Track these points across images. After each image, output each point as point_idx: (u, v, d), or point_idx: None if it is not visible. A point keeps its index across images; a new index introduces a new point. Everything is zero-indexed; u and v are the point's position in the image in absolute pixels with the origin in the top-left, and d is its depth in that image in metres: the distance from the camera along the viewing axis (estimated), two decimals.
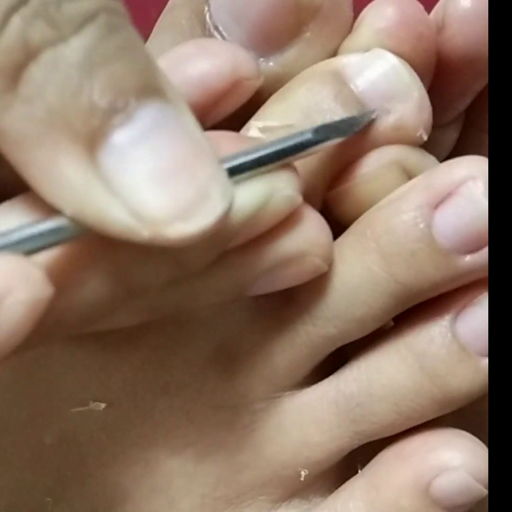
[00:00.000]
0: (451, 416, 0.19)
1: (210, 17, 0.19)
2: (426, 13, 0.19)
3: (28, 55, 0.13)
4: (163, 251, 0.14)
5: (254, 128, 0.18)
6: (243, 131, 0.18)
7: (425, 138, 0.18)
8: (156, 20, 0.20)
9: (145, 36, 0.20)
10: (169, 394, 0.19)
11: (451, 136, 0.22)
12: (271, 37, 0.19)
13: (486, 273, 0.18)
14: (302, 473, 0.20)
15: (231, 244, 0.16)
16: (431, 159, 0.19)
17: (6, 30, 0.13)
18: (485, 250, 0.17)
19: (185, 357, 0.19)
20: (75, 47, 0.13)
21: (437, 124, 0.20)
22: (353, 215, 0.19)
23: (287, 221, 0.17)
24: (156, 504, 0.20)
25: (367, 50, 0.19)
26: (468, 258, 0.17)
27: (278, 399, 0.19)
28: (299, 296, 0.19)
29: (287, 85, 0.19)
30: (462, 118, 0.22)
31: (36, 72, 0.13)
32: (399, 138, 0.18)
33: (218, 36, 0.19)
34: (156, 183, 0.13)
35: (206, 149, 0.14)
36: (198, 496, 0.20)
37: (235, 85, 0.18)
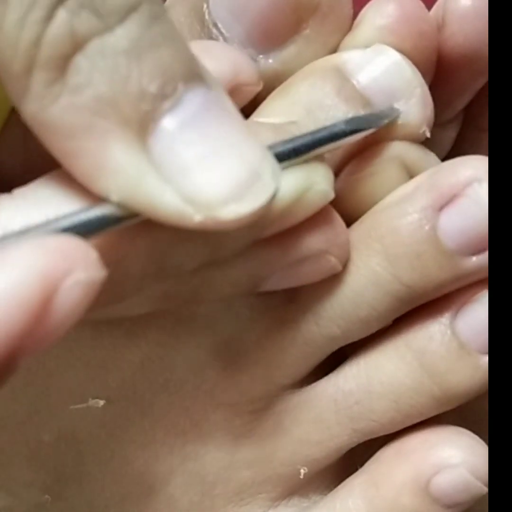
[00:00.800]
0: (451, 414, 0.19)
1: (209, 14, 0.19)
2: (427, 11, 0.19)
3: (75, 45, 0.13)
4: (202, 234, 0.14)
5: None
6: None
7: (428, 134, 0.18)
8: None
9: None
10: (168, 392, 0.19)
11: (450, 134, 0.22)
12: (270, 34, 0.19)
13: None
14: (302, 471, 0.19)
15: (265, 233, 0.16)
16: (432, 156, 0.19)
17: (52, 22, 0.13)
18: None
19: (185, 354, 0.19)
20: (121, 36, 0.13)
21: (436, 122, 0.20)
22: (355, 210, 0.19)
23: (310, 218, 0.17)
24: (155, 502, 0.20)
25: (368, 46, 0.18)
26: (473, 259, 0.17)
27: (278, 397, 0.19)
28: (303, 295, 0.19)
29: (288, 81, 0.19)
30: (461, 117, 0.22)
31: (83, 62, 0.13)
32: (402, 134, 0.18)
33: (217, 33, 0.19)
34: (208, 166, 0.13)
35: (252, 132, 0.14)
36: (197, 493, 0.20)
37: (234, 90, 0.18)
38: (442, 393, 0.18)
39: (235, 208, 0.14)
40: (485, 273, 0.18)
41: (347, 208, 0.19)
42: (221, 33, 0.19)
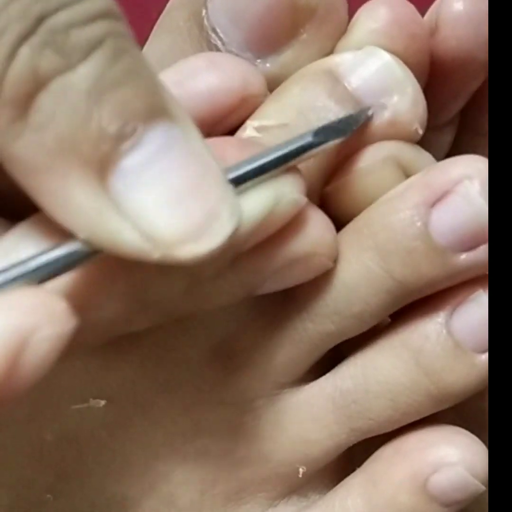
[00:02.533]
0: (448, 413, 0.19)
1: (208, 19, 0.19)
2: (418, 14, 0.19)
3: (37, 84, 0.13)
4: (176, 267, 0.15)
5: (250, 128, 0.18)
6: (239, 131, 0.19)
7: (421, 132, 0.19)
8: (156, 22, 0.21)
9: (145, 37, 0.21)
10: (168, 391, 0.19)
11: (446, 138, 0.22)
12: (268, 39, 0.19)
13: (481, 271, 0.18)
14: (300, 470, 0.20)
15: (244, 248, 0.16)
16: (427, 155, 0.19)
17: (15, 60, 0.13)
18: (481, 248, 0.18)
19: (184, 354, 0.19)
20: (83, 75, 0.13)
21: (432, 126, 0.20)
22: (349, 209, 0.19)
23: (293, 222, 0.17)
24: (155, 501, 0.20)
25: (360, 49, 0.19)
26: (464, 256, 0.18)
27: (277, 396, 0.20)
28: (298, 294, 0.19)
29: (282, 85, 0.19)
30: (457, 121, 0.22)
31: (45, 101, 0.13)
32: (395, 133, 0.18)
33: (216, 38, 0.19)
34: (166, 206, 0.14)
35: (214, 169, 0.14)
36: (197, 492, 0.20)
37: (243, 101, 0.18)
38: (439, 392, 0.18)
39: (192, 247, 0.14)
40: (477, 270, 0.18)
41: (342, 207, 0.19)
42: (219, 38, 0.19)
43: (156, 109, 0.14)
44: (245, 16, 0.19)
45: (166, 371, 0.19)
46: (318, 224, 0.18)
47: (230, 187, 0.15)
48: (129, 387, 0.19)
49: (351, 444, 0.20)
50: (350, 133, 0.18)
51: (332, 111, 0.18)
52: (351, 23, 0.19)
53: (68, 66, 0.13)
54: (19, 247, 0.14)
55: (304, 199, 0.17)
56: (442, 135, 0.22)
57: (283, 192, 0.16)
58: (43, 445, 0.19)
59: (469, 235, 0.17)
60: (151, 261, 0.14)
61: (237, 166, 0.16)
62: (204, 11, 0.19)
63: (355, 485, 0.19)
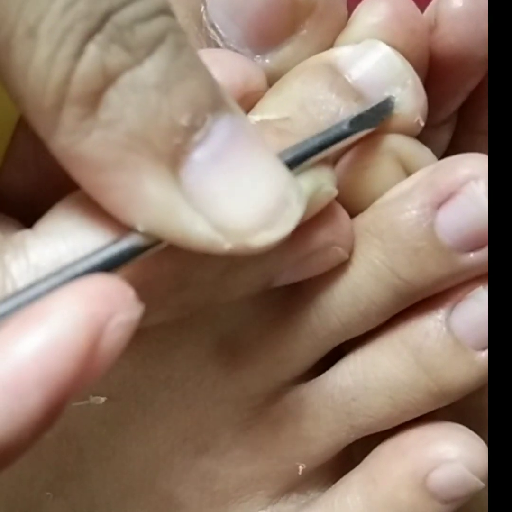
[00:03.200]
0: (448, 410, 0.19)
1: (206, 15, 0.19)
2: (418, 9, 0.19)
3: (106, 80, 0.13)
4: None
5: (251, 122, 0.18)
6: None
7: (422, 124, 0.19)
8: None
9: None
10: (169, 388, 0.19)
11: (444, 136, 0.22)
12: (267, 35, 0.19)
13: (486, 271, 0.18)
14: (300, 467, 0.20)
15: None
16: (426, 150, 0.19)
17: (83, 57, 0.13)
18: (486, 248, 0.18)
19: (186, 351, 0.19)
20: (150, 69, 0.13)
21: (430, 124, 0.20)
22: (349, 201, 0.19)
23: (316, 213, 0.17)
24: (155, 499, 0.20)
25: (359, 42, 0.19)
26: (470, 256, 0.18)
27: (278, 394, 0.20)
28: (304, 288, 0.19)
29: (282, 79, 0.19)
30: (455, 119, 0.22)
31: (114, 97, 0.13)
32: (397, 125, 0.18)
33: (215, 34, 0.19)
34: (239, 195, 0.14)
35: (274, 156, 0.14)
36: (197, 490, 0.20)
37: (244, 97, 0.18)
38: (438, 389, 0.18)
39: (266, 235, 0.14)
40: (482, 270, 0.18)
41: (344, 202, 0.19)
42: (218, 34, 0.19)
43: (219, 100, 0.14)
44: (244, 12, 0.19)
45: (167, 368, 0.19)
46: (338, 215, 0.18)
47: (292, 173, 0.15)
48: (129, 384, 0.19)
49: (350, 441, 0.20)
50: (380, 122, 0.18)
51: (333, 104, 0.18)
52: (351, 18, 0.19)
53: (135, 62, 0.13)
54: (73, 238, 0.14)
55: (336, 192, 0.17)
56: (440, 133, 0.22)
57: (322, 183, 0.16)
58: (42, 443, 0.19)
59: (475, 235, 0.17)
60: (221, 252, 0.14)
61: (282, 153, 0.16)
62: (202, 7, 0.19)
63: (354, 482, 0.19)
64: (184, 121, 0.13)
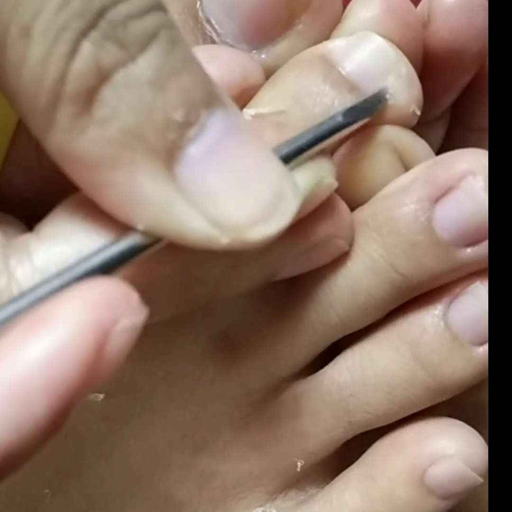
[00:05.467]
0: (446, 406, 0.19)
1: (202, 10, 0.19)
2: (412, 4, 0.19)
3: (100, 78, 0.13)
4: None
5: (247, 116, 0.18)
6: None
7: (418, 113, 0.19)
8: None
9: None
10: (168, 384, 0.19)
11: (438, 133, 0.22)
12: (263, 30, 0.19)
13: (484, 266, 0.18)
14: (298, 463, 0.20)
15: None
16: (422, 142, 0.19)
17: (78, 55, 0.13)
18: (484, 243, 0.18)
19: (185, 347, 0.19)
20: (144, 66, 0.13)
21: (424, 120, 0.20)
22: (345, 193, 0.19)
23: (317, 206, 0.17)
24: (154, 495, 0.20)
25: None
26: (468, 251, 0.18)
27: (276, 390, 0.20)
28: (303, 283, 0.19)
29: (276, 73, 0.19)
30: (448, 116, 0.22)
31: (109, 94, 0.13)
32: (392, 116, 0.18)
33: (210, 30, 0.19)
34: (234, 190, 0.14)
35: (268, 150, 0.14)
36: (195, 487, 0.20)
37: (243, 92, 0.18)
38: (436, 385, 0.18)
39: (263, 229, 0.14)
40: (479, 265, 0.18)
41: (339, 192, 0.19)
42: (214, 29, 0.19)
43: (212, 95, 0.14)
44: (239, 7, 0.19)
45: (166, 364, 0.19)
46: (338, 207, 0.18)
47: (286, 166, 0.15)
48: (128, 380, 0.19)
49: (349, 438, 0.20)
50: (375, 112, 0.18)
51: (327, 96, 0.18)
52: (345, 12, 0.19)
53: (129, 58, 0.13)
54: (77, 240, 0.14)
55: (336, 184, 0.17)
56: (433, 130, 0.22)
57: (321, 175, 0.16)
58: None
59: (473, 230, 0.17)
60: (218, 247, 0.14)
61: (278, 147, 0.16)
62: (198, 3, 0.19)
63: (352, 479, 0.19)
64: (178, 116, 0.13)
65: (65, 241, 0.14)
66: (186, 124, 0.13)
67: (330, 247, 0.18)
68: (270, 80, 0.19)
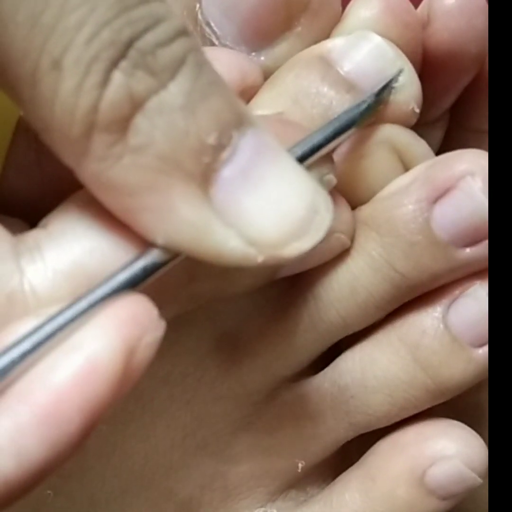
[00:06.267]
0: (446, 408, 0.19)
1: (202, 13, 0.19)
2: (411, 4, 0.19)
3: (134, 106, 0.13)
4: None
5: None
6: None
7: (418, 111, 0.19)
8: None
9: None
10: (169, 384, 0.19)
11: (437, 134, 0.22)
12: (262, 32, 0.19)
13: (483, 266, 0.18)
14: (299, 464, 0.20)
15: None
16: (422, 142, 0.19)
17: (109, 85, 0.13)
18: (483, 244, 0.18)
19: (186, 347, 0.19)
20: (175, 92, 0.13)
21: (423, 121, 0.20)
22: (345, 192, 0.19)
23: None
24: (155, 496, 0.20)
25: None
26: (466, 251, 0.18)
27: (277, 391, 0.20)
28: (303, 282, 0.19)
29: (275, 73, 0.19)
30: (448, 117, 0.22)
31: (143, 122, 0.13)
32: (392, 114, 0.18)
33: (210, 32, 0.19)
34: (268, 208, 0.14)
35: (296, 164, 0.14)
36: (196, 487, 0.20)
37: (242, 94, 0.18)
38: (436, 386, 0.18)
39: (298, 245, 0.14)
40: (478, 265, 0.18)
41: (339, 190, 0.19)
42: (213, 31, 0.19)
43: (242, 116, 0.14)
44: (238, 9, 0.19)
45: (167, 364, 0.19)
46: (338, 202, 0.18)
47: (316, 180, 0.15)
48: None
49: (349, 439, 0.20)
50: (380, 104, 0.18)
51: (326, 97, 0.18)
52: (344, 13, 0.19)
53: (160, 85, 0.13)
54: (87, 239, 0.14)
55: (335, 181, 0.17)
56: (433, 131, 0.22)
57: (323, 173, 0.16)
58: None
59: (471, 230, 0.17)
60: (254, 265, 0.14)
61: (293, 147, 0.16)
62: (197, 5, 0.19)
63: (352, 479, 0.19)
64: (211, 140, 0.13)
65: (75, 239, 0.14)
66: (220, 147, 0.13)
67: (332, 242, 0.18)
68: (269, 80, 0.19)
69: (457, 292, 0.18)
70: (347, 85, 0.18)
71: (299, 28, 0.19)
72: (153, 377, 0.19)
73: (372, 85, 0.18)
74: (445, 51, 0.19)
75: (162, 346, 0.19)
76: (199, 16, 0.19)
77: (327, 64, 0.18)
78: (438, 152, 0.20)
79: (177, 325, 0.19)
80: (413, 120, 0.19)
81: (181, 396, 0.20)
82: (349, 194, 0.19)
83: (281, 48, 0.19)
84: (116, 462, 0.20)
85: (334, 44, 0.18)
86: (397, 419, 0.19)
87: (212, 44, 0.19)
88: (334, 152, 0.19)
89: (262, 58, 0.19)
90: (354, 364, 0.19)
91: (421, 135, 0.19)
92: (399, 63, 0.18)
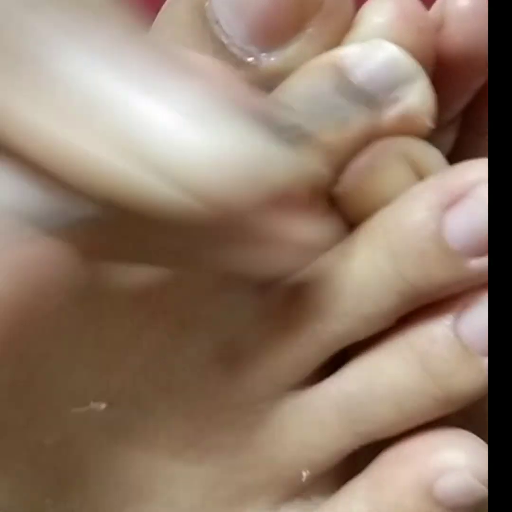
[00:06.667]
0: (455, 417, 0.19)
1: (211, 11, 0.19)
2: (424, 8, 0.19)
3: None
4: None
5: None
6: None
7: (432, 125, 0.18)
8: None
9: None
10: (171, 394, 0.19)
11: (449, 137, 0.22)
12: (273, 32, 0.18)
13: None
14: (304, 473, 0.19)
15: None
16: (435, 151, 0.19)
17: None
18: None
19: (188, 356, 0.19)
20: None
21: (436, 124, 0.20)
22: (362, 209, 0.18)
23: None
24: (157, 505, 0.19)
25: (365, 42, 0.18)
26: (477, 260, 0.17)
27: (281, 399, 0.19)
28: (308, 292, 0.19)
29: (286, 80, 0.19)
30: (460, 120, 0.22)
31: None
32: (405, 127, 0.18)
33: (219, 31, 0.19)
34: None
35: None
36: (199, 497, 0.20)
37: None
38: (445, 396, 0.18)
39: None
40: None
41: (355, 206, 0.19)
42: (222, 31, 0.19)
43: None
44: (249, 8, 0.18)
45: (168, 374, 0.19)
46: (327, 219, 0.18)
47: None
48: (130, 390, 0.19)
49: (355, 448, 0.19)
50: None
51: (338, 107, 0.18)
52: (356, 17, 0.19)
53: None
54: None
55: (325, 175, 0.17)
56: (445, 134, 0.22)
57: (310, 160, 0.16)
58: (42, 450, 0.19)
59: (483, 239, 0.17)
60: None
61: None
62: (207, 3, 0.19)
63: (359, 489, 0.19)
64: None
65: None
66: None
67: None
68: (280, 87, 0.19)
69: (468, 300, 0.18)
70: (361, 94, 0.18)
71: (310, 30, 0.18)
72: (154, 386, 0.19)
73: (385, 95, 0.18)
74: (459, 54, 0.19)
75: (163, 355, 0.19)
76: (208, 14, 0.19)
77: (340, 73, 0.18)
78: (449, 155, 0.19)
79: (178, 334, 0.19)
80: (427, 133, 0.19)
81: (182, 406, 0.19)
82: (364, 209, 0.18)
83: (292, 49, 0.19)
84: (117, 472, 0.19)
85: (347, 52, 0.18)
86: (405, 428, 0.19)
87: (222, 43, 0.19)
88: (347, 167, 0.19)
89: (272, 59, 0.19)
90: (361, 372, 0.19)
91: (433, 138, 0.19)
92: (414, 74, 0.18)
